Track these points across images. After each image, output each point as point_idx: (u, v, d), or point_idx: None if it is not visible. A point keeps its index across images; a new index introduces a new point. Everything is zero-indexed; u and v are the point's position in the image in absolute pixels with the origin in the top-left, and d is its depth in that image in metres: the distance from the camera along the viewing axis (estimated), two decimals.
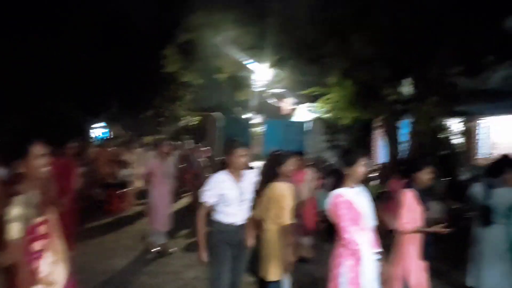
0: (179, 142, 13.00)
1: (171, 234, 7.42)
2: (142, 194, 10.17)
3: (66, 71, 13.58)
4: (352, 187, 3.13)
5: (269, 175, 3.92)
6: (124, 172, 9.71)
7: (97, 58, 14.80)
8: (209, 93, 22.30)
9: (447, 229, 3.72)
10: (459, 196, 9.75)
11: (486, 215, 4.34)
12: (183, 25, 11.13)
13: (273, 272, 3.79)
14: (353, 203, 3.04)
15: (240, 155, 3.49)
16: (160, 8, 14.30)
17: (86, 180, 8.78)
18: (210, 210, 3.63)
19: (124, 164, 9.84)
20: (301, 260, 4.88)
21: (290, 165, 4.03)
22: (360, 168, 3.08)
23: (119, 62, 15.27)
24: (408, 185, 3.85)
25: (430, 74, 8.91)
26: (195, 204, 9.78)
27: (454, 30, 8.39)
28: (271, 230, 3.84)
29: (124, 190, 9.47)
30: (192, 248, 6.66)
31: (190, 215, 8.96)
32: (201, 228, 3.52)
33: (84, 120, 17.10)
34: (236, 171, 3.57)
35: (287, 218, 3.80)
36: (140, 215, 9.00)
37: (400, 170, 8.48)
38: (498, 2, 8.40)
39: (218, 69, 12.86)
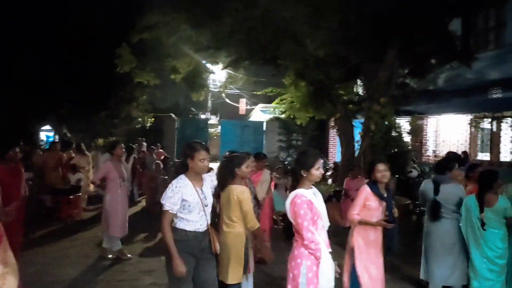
0: (136, 145, 12.69)
1: (126, 239, 7.25)
2: (95, 199, 9.91)
3: (11, 71, 12.92)
4: (310, 188, 3.17)
5: (226, 177, 3.90)
6: (75, 177, 9.34)
7: (45, 57, 14.18)
8: (165, 94, 21.98)
9: (390, 224, 3.86)
10: (409, 192, 10.19)
11: (434, 210, 4.53)
12: (138, 24, 10.87)
13: (233, 275, 3.77)
14: (313, 204, 3.09)
15: (201, 158, 3.33)
16: (114, 6, 13.89)
17: (34, 186, 8.42)
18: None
19: (74, 168, 9.47)
20: (259, 261, 4.89)
21: (247, 166, 4.02)
22: (317, 170, 3.13)
23: (69, 61, 14.70)
24: (369, 183, 4.07)
25: (380, 74, 9.21)
26: (151, 208, 9.61)
27: (400, 33, 8.73)
28: (230, 233, 3.82)
29: (75, 195, 9.11)
30: (148, 253, 6.53)
31: (145, 220, 8.85)
32: (169, 238, 3.27)
33: (31, 122, 16.31)
34: (197, 176, 3.43)
35: (254, 221, 3.81)
36: (92, 221, 8.71)
37: (351, 169, 8.76)
38: (442, 6, 8.80)
39: (174, 69, 12.67)
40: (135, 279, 5.38)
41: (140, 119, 19.88)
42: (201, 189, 3.40)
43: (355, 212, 3.99)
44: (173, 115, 21.68)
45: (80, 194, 9.36)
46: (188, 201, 3.30)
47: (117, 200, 6.16)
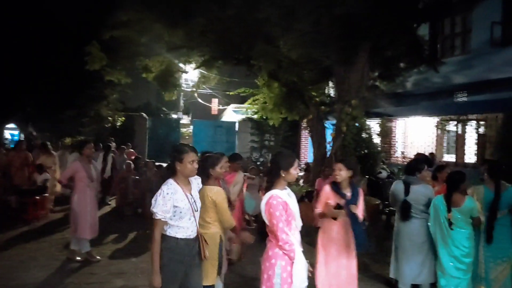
0: (105, 144, 12.43)
1: (96, 241, 7.10)
2: (62, 200, 9.64)
3: None
4: (285, 189, 3.20)
5: (201, 177, 3.87)
6: (41, 177, 9.06)
7: (9, 53, 13.70)
8: (136, 92, 21.62)
9: (341, 211, 4.04)
10: (378, 193, 10.42)
11: (405, 210, 4.65)
12: (109, 21, 10.64)
13: (208, 277, 3.74)
14: (288, 205, 3.12)
15: (190, 160, 3.19)
16: (85, 1, 13.54)
17: None
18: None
19: (41, 168, 9.18)
20: (230, 263, 4.90)
21: (222, 166, 4.01)
22: (295, 170, 3.18)
23: (36, 57, 14.24)
24: (331, 182, 4.29)
25: (351, 77, 9.38)
26: (121, 209, 9.44)
27: (371, 36, 8.92)
28: (205, 233, 3.78)
29: (42, 196, 8.84)
30: (118, 255, 6.41)
31: (115, 221, 8.69)
32: (157, 250, 3.11)
33: None
34: (185, 179, 3.29)
35: (231, 220, 3.83)
36: (60, 222, 8.49)
37: (322, 169, 8.88)
38: (410, 11, 9.05)
39: (146, 68, 12.47)
40: (105, 282, 5.27)
41: (110, 118, 19.49)
42: (190, 194, 3.29)
43: (317, 208, 4.24)
44: (144, 115, 21.36)
45: (47, 194, 9.10)
46: (179, 207, 3.17)
47: (85, 200, 6.02)
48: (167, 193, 3.15)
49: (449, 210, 4.30)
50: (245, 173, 7.38)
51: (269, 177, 3.28)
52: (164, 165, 11.30)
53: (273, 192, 3.13)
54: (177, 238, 3.19)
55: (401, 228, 4.76)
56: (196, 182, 3.45)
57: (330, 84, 12.48)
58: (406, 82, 13.70)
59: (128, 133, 19.27)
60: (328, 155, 10.09)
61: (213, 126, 21.65)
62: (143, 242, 7.18)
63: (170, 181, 3.23)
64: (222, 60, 11.33)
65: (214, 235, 3.77)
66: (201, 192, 3.79)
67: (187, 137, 24.47)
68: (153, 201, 3.15)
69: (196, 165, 3.25)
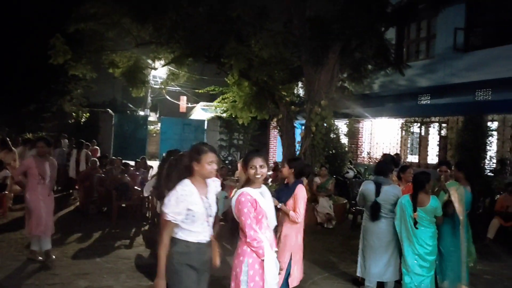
0: (78, 140, 12.09)
1: (58, 241, 6.86)
2: (22, 198, 9.25)
3: None
4: (258, 187, 3.19)
5: (180, 175, 3.81)
6: (0, 174, 8.67)
7: None
8: (101, 88, 21.08)
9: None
10: (345, 192, 10.61)
11: (375, 211, 4.73)
12: (75, 13, 10.27)
13: None
14: (259, 202, 3.10)
15: (209, 161, 2.98)
16: None
17: None
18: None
19: (0, 165, 8.78)
20: None
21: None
22: (252, 169, 3.16)
23: None
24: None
25: (321, 77, 9.50)
26: (85, 208, 9.16)
27: (340, 38, 9.07)
28: None
29: (1, 194, 8.47)
30: (82, 255, 6.22)
31: (79, 219, 8.43)
32: (164, 253, 2.91)
33: None
34: (202, 181, 3.07)
35: None
36: (20, 221, 8.11)
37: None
38: (378, 16, 9.26)
39: (113, 63, 12.14)
40: (68, 283, 5.09)
41: (73, 114, 18.90)
42: (206, 197, 3.07)
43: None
44: (110, 111, 20.86)
45: (6, 192, 8.72)
46: (192, 211, 2.95)
47: (37, 197, 5.79)
48: (181, 194, 2.92)
49: (414, 210, 4.42)
50: None
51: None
52: (131, 163, 11.11)
53: (244, 189, 3.12)
54: (188, 242, 2.98)
55: (369, 227, 4.84)
56: (214, 184, 3.22)
57: (300, 84, 12.59)
58: (373, 84, 14.04)
59: (93, 129, 18.77)
60: (297, 155, 10.17)
61: (182, 124, 21.43)
62: (108, 241, 7.01)
63: (186, 181, 3.00)
64: (192, 58, 11.19)
65: None
66: None
67: (154, 134, 24.07)
68: (166, 200, 2.94)
69: (215, 166, 3.03)
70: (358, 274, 4.90)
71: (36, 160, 5.83)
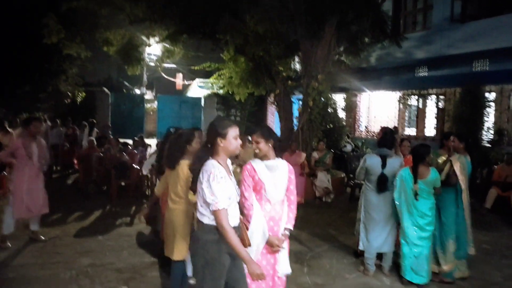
0: (90, 120, 12.11)
1: (60, 220, 6.93)
2: None
3: None
4: (268, 160, 3.31)
5: (178, 153, 3.83)
6: None
7: None
8: (97, 67, 20.87)
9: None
10: (343, 166, 10.67)
11: (383, 183, 4.74)
12: None
13: (179, 251, 3.75)
14: (257, 173, 3.25)
15: (235, 136, 2.76)
16: None
17: None
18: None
19: None
20: None
21: (197, 142, 3.97)
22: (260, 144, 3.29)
23: None
24: None
25: (318, 52, 9.40)
26: (84, 187, 9.21)
27: (336, 11, 8.92)
28: (176, 209, 3.77)
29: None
30: (84, 234, 6.28)
31: (79, 199, 8.48)
32: (236, 238, 2.65)
33: None
34: (226, 160, 2.84)
35: None
36: None
37: (289, 144, 8.96)
38: None
39: (107, 41, 11.98)
40: (71, 261, 5.16)
41: (69, 93, 18.76)
42: (232, 176, 2.86)
43: None
44: (106, 90, 20.71)
45: (5, 173, 8.72)
46: (229, 193, 2.73)
47: (22, 180, 5.74)
48: (221, 177, 2.66)
49: (415, 182, 4.46)
50: None
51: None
52: (130, 141, 11.10)
53: (252, 160, 3.33)
54: None
55: (372, 200, 4.83)
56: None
57: (297, 59, 12.48)
58: (370, 57, 13.92)
59: (90, 109, 18.67)
60: (295, 130, 10.17)
61: (178, 102, 21.32)
62: (109, 220, 7.07)
63: (214, 162, 2.72)
64: (187, 34, 11.04)
65: (186, 211, 3.76)
66: (177, 167, 3.76)
67: (151, 112, 23.96)
68: (205, 189, 2.66)
69: (240, 142, 2.82)
70: (361, 247, 4.95)
71: (23, 140, 5.77)
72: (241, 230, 2.92)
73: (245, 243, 2.90)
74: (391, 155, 4.83)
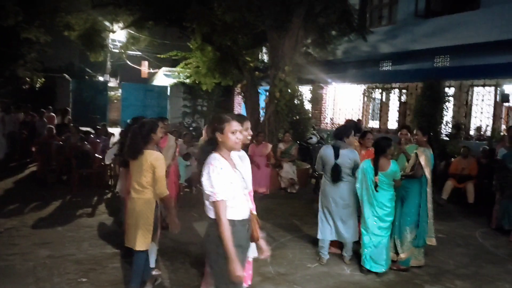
0: (63, 108, 11.66)
1: (17, 210, 6.67)
2: None
3: None
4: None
5: (139, 143, 3.74)
6: None
7: None
8: (57, 52, 20.06)
9: None
10: (309, 157, 10.80)
11: (337, 173, 4.86)
12: None
13: (141, 242, 3.70)
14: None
15: (233, 130, 2.75)
16: None
17: None
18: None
19: None
20: (165, 228, 4.85)
21: (160, 131, 3.91)
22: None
23: None
24: None
25: (285, 43, 9.41)
26: (43, 176, 8.89)
27: (304, 2, 8.93)
28: (140, 199, 3.71)
29: None
30: (42, 225, 6.08)
31: (37, 189, 8.19)
32: (228, 233, 2.63)
33: None
34: (229, 154, 2.85)
35: (164, 188, 3.71)
36: None
37: (256, 135, 8.98)
38: None
39: (68, 26, 11.52)
40: (29, 252, 4.98)
41: (28, 79, 17.98)
42: (237, 169, 2.87)
43: None
44: (67, 76, 19.99)
45: None
46: (232, 184, 2.74)
47: None
48: (221, 168, 2.67)
49: (376, 174, 4.57)
50: (177, 139, 7.23)
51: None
52: (90, 130, 10.78)
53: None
54: (234, 221, 2.74)
55: (328, 190, 4.98)
56: (237, 155, 3.02)
57: (264, 50, 12.46)
58: (337, 50, 14.08)
59: (49, 95, 17.98)
60: (261, 121, 10.18)
61: (144, 90, 20.89)
62: (70, 210, 6.87)
63: (216, 155, 2.74)
64: (153, 21, 10.78)
65: (150, 200, 3.71)
66: (140, 156, 3.68)
67: (115, 101, 23.35)
68: (205, 181, 2.68)
69: (240, 136, 2.80)
70: (319, 236, 5.07)
71: None
72: (252, 223, 2.94)
73: (255, 236, 2.94)
74: (344, 146, 4.92)
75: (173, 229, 3.79)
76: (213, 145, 2.80)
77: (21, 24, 10.45)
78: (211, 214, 2.73)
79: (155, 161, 3.68)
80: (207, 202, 2.74)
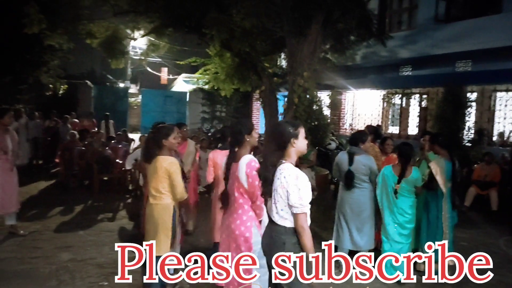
0: (105, 114, 12.07)
1: (40, 215, 6.81)
2: None
3: None
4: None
5: (153, 148, 3.79)
6: None
7: None
8: (79, 59, 20.50)
9: None
10: (328, 163, 10.74)
11: (349, 180, 4.83)
12: None
13: (161, 247, 3.71)
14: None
15: (304, 135, 2.84)
16: None
17: None
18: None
19: None
20: (185, 233, 4.89)
21: (175, 137, 3.94)
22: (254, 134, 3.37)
23: None
24: None
25: (304, 49, 9.40)
26: (66, 181, 9.06)
27: (322, 9, 8.93)
28: (158, 205, 3.74)
29: None
30: (64, 229, 6.20)
31: (60, 193, 8.35)
32: (312, 244, 2.79)
33: None
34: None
35: (183, 192, 3.75)
36: None
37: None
38: None
39: (90, 33, 11.77)
40: (51, 256, 5.09)
41: (51, 85, 18.39)
42: None
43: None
44: (89, 83, 20.39)
45: None
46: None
47: None
48: (307, 181, 2.74)
49: (399, 182, 4.50)
50: (197, 144, 7.28)
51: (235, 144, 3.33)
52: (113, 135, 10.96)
53: (250, 156, 3.26)
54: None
55: (343, 197, 4.97)
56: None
57: (283, 55, 12.47)
58: (356, 55, 14.00)
59: (72, 102, 18.35)
60: None
61: (163, 96, 21.14)
62: (91, 215, 6.99)
63: (290, 165, 2.74)
64: (172, 28, 10.92)
65: (167, 206, 3.73)
66: (154, 162, 3.72)
67: (135, 107, 23.70)
68: (293, 193, 2.67)
69: (306, 140, 2.86)
70: (335, 242, 5.02)
71: None
72: None
73: None
74: (359, 152, 4.87)
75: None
76: (280, 155, 2.77)
77: (44, 31, 10.68)
78: (286, 223, 2.77)
79: (169, 166, 3.69)
80: (281, 212, 2.75)
